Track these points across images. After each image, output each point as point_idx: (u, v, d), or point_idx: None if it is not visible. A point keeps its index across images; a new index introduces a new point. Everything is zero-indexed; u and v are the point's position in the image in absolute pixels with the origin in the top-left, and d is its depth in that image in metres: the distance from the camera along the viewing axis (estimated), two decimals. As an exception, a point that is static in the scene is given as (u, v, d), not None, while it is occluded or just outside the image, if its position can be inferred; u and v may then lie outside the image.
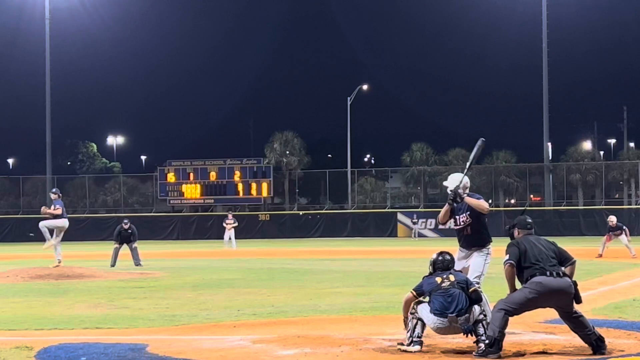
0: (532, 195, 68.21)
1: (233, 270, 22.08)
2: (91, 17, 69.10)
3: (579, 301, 8.47)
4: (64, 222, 21.22)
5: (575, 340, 9.05)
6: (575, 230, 51.60)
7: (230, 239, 38.96)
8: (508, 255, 8.55)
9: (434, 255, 9.24)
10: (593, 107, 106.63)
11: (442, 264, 9.11)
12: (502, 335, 8.24)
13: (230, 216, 40.54)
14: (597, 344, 8.35)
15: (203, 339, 9.80)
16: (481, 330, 8.46)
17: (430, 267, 9.11)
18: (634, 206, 58.40)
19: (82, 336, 10.01)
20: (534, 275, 8.36)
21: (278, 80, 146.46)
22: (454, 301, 8.55)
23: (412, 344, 8.62)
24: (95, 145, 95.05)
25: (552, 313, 11.54)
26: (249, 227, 56.68)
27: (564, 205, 57.43)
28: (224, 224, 40.16)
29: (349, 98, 63.06)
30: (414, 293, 8.88)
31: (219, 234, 56.57)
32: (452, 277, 8.85)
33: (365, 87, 66.21)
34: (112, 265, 24.39)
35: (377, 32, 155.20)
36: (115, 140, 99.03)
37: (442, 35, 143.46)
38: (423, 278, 9.03)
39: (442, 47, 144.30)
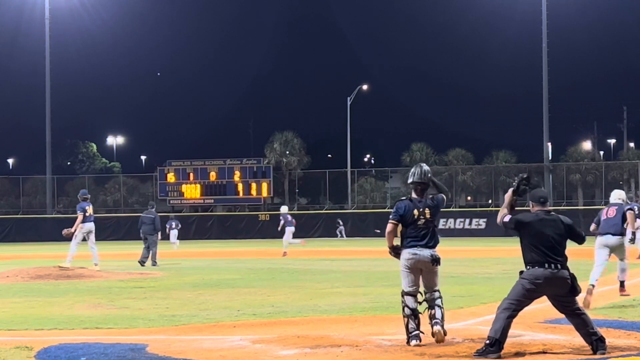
0: (532, 195, 68.15)
1: (233, 270, 22.07)
2: (91, 17, 69.19)
3: (575, 293, 8.50)
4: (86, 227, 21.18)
5: (576, 340, 9.05)
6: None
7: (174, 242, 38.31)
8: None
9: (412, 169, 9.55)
10: (593, 107, 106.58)
11: (415, 175, 9.40)
12: (504, 336, 8.24)
13: (174, 224, 39.31)
14: (597, 344, 8.35)
15: (203, 339, 9.80)
16: (438, 314, 8.97)
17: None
18: (634, 206, 58.31)
19: (82, 336, 10.01)
20: (533, 265, 8.38)
21: (278, 80, 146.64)
22: (427, 236, 9.11)
23: (410, 340, 8.83)
24: (95, 145, 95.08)
25: (552, 313, 11.55)
26: (249, 227, 56.67)
27: (564, 205, 57.42)
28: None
29: (349, 98, 63.08)
30: (394, 222, 9.17)
31: (218, 234, 56.68)
32: (427, 213, 9.17)
33: (365, 87, 66.25)
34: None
35: (377, 32, 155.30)
36: (115, 140, 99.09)
37: (442, 35, 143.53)
38: (396, 202, 9.40)
39: (442, 47, 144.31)
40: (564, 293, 8.45)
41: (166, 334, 10.28)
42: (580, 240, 8.71)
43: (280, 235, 31.55)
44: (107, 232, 56.85)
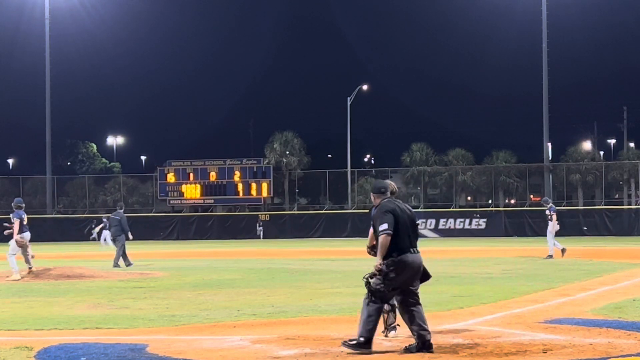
0: (532, 195, 68.20)
1: (233, 270, 22.07)
2: (91, 17, 69.18)
3: (427, 278, 8.73)
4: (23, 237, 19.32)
5: (575, 340, 9.06)
6: (575, 230, 51.59)
7: (105, 240, 39.11)
8: (386, 224, 8.48)
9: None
10: (593, 107, 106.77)
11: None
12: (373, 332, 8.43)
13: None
14: (426, 344, 8.38)
15: (203, 339, 9.80)
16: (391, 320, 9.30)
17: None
18: (634, 206, 58.38)
19: (82, 336, 10.00)
20: (399, 251, 8.48)
21: (278, 80, 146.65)
22: None
23: (389, 331, 9.37)
24: (95, 145, 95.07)
25: (552, 313, 11.55)
26: (249, 227, 56.67)
27: (564, 206, 57.42)
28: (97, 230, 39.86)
29: (349, 98, 63.04)
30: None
31: (219, 234, 56.67)
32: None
33: (365, 87, 66.19)
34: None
35: (377, 32, 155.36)
36: (115, 140, 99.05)
37: (442, 35, 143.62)
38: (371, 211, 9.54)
39: (442, 47, 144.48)
40: (418, 279, 8.65)
41: (166, 334, 10.28)
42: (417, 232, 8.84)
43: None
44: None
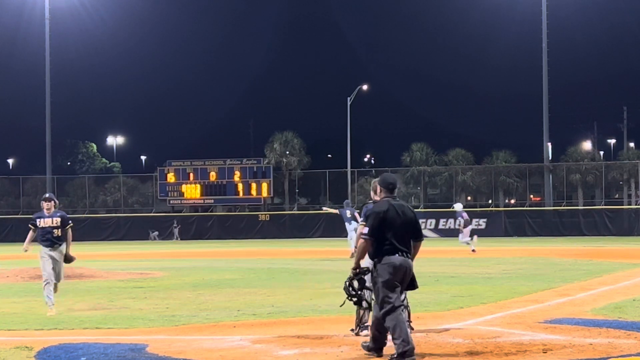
0: (532, 196, 68.20)
1: (233, 270, 22.07)
2: (91, 17, 69.18)
3: (413, 286, 8.41)
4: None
5: (575, 340, 9.06)
6: (575, 230, 51.59)
7: None
8: (369, 229, 8.25)
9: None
10: (593, 107, 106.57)
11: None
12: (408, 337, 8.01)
13: None
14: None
15: (203, 339, 9.80)
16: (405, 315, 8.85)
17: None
18: (634, 206, 58.37)
19: (82, 336, 10.01)
20: (384, 254, 8.20)
21: (278, 80, 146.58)
22: None
23: (361, 330, 9.49)
24: (95, 145, 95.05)
25: (552, 313, 11.56)
26: (249, 227, 56.65)
27: (564, 206, 57.41)
28: None
29: (349, 98, 62.99)
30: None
31: (219, 234, 56.67)
32: None
33: (365, 87, 66.13)
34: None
35: (377, 32, 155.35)
36: (115, 140, 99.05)
37: (442, 35, 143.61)
38: (362, 207, 9.58)
39: (442, 47, 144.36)
40: (406, 284, 8.33)
41: (166, 334, 10.28)
42: (419, 239, 8.53)
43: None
44: (107, 232, 56.88)
